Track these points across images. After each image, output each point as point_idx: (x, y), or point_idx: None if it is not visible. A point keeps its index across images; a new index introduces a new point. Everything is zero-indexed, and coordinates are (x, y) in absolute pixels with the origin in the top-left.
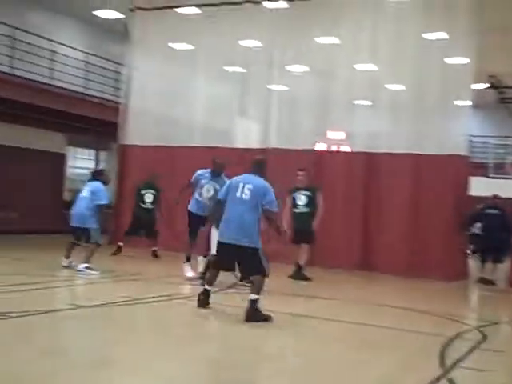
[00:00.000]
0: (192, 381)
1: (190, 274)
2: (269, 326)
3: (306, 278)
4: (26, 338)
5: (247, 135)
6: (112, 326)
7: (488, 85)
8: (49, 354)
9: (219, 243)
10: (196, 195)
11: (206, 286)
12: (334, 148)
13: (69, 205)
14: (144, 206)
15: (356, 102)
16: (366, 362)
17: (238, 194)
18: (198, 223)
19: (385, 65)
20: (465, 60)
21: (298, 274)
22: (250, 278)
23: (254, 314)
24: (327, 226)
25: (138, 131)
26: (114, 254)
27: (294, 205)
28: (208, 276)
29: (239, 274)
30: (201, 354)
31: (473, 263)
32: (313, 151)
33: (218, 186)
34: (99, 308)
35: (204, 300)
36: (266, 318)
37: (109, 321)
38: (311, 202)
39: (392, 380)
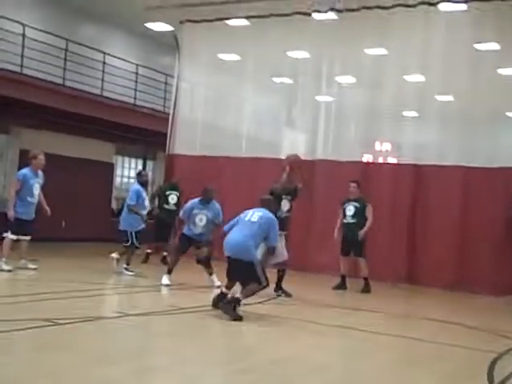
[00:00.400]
0: None
1: (166, 281)
2: (315, 338)
3: (368, 291)
4: (73, 345)
5: (294, 146)
6: (158, 334)
7: None
8: (95, 361)
9: (226, 256)
10: (190, 225)
11: (224, 290)
12: (380, 160)
13: (117, 213)
14: (167, 206)
15: (404, 113)
16: (413, 377)
17: (247, 218)
18: (188, 244)
19: (434, 75)
20: None
21: (365, 287)
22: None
23: (228, 309)
24: (373, 237)
25: (185, 141)
26: (144, 261)
27: (344, 216)
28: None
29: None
30: (247, 364)
31: None
32: (359, 163)
33: (209, 214)
34: (145, 316)
35: (216, 300)
36: (238, 319)
37: (155, 329)
38: (359, 214)
39: None
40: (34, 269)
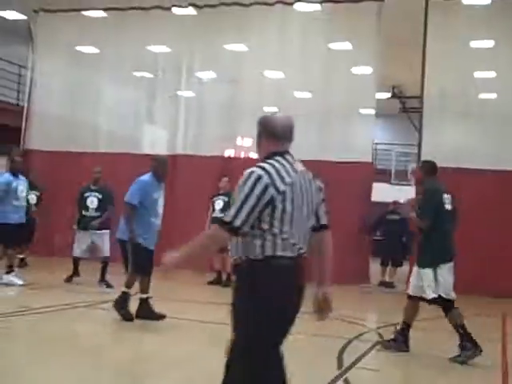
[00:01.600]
0: None
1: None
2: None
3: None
4: None
5: (154, 141)
6: (6, 338)
7: (390, 94)
8: None
9: None
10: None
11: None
12: (242, 155)
13: None
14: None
15: (264, 108)
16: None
17: None
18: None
19: (292, 72)
20: (369, 70)
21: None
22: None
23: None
24: None
25: (41, 136)
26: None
27: (214, 209)
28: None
29: None
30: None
31: (374, 267)
32: (220, 157)
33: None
34: None
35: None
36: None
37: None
38: (227, 207)
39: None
40: None
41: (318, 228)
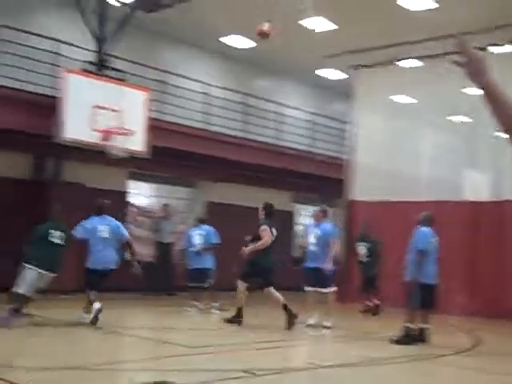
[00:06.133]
0: None
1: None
2: None
3: None
4: None
5: (477, 187)
6: None
7: None
8: None
9: None
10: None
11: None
12: None
13: (298, 261)
14: (359, 258)
15: None
16: None
17: None
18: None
19: None
20: None
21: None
22: None
23: None
24: None
25: (363, 186)
26: (373, 313)
27: None
28: None
29: None
30: None
31: None
32: None
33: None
34: (337, 368)
35: None
36: None
37: (350, 382)
38: None
39: None
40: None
41: None
